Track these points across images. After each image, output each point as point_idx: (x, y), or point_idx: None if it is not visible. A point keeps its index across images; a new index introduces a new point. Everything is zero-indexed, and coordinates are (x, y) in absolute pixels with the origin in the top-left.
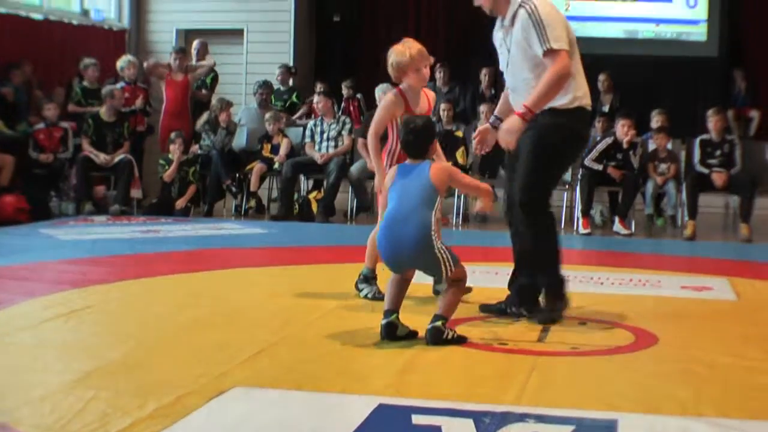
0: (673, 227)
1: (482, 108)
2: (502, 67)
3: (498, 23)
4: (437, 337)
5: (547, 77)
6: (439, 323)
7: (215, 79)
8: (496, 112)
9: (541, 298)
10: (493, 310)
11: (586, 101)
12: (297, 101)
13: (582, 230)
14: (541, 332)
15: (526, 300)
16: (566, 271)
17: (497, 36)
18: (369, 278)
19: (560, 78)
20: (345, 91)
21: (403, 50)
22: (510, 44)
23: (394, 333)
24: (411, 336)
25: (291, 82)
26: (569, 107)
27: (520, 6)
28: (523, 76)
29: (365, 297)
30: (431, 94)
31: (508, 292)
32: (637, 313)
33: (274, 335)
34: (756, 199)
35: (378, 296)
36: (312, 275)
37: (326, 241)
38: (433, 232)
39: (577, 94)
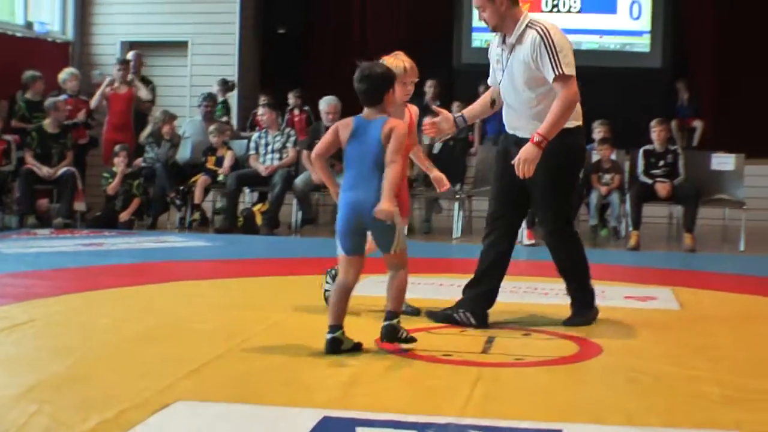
0: (617, 238)
1: (427, 120)
2: (491, 81)
3: (498, 39)
4: (392, 335)
5: (560, 103)
6: (394, 321)
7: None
8: (466, 111)
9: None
10: (439, 317)
11: (581, 118)
12: (219, 113)
13: (526, 241)
14: (485, 344)
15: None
16: (510, 282)
17: (495, 51)
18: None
19: (572, 103)
20: (292, 101)
21: (398, 62)
22: (512, 62)
23: (338, 348)
24: (356, 348)
25: (227, 95)
26: (572, 127)
27: (528, 26)
28: (525, 95)
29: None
30: (414, 109)
31: (460, 297)
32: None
33: (218, 348)
34: (699, 209)
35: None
36: (256, 288)
37: (271, 254)
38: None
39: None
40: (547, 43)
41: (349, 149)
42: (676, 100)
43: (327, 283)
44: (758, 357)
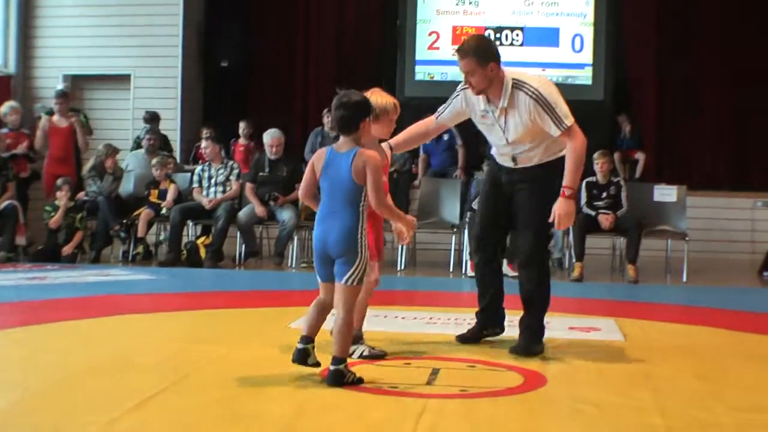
0: (561, 269)
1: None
2: (443, 118)
3: (482, 102)
4: (338, 381)
5: (574, 155)
6: (341, 366)
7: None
8: (395, 141)
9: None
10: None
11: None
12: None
13: (470, 273)
14: (430, 375)
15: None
16: (456, 314)
17: (479, 106)
18: (357, 338)
19: (583, 149)
20: (242, 131)
21: (386, 99)
22: (508, 124)
23: (305, 360)
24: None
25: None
26: (555, 158)
27: (516, 88)
28: (524, 147)
29: (360, 357)
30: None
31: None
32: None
33: (162, 382)
34: (642, 241)
35: (373, 352)
36: (201, 321)
37: (215, 287)
38: (359, 230)
39: (561, 146)
40: (543, 104)
41: (321, 182)
42: (618, 133)
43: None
44: (702, 387)
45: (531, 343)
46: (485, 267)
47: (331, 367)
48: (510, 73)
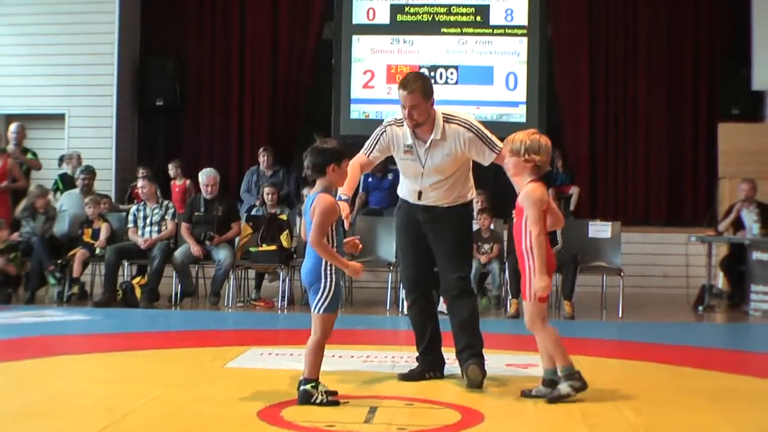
0: (498, 307)
1: (306, 191)
2: (371, 156)
3: (410, 137)
4: (306, 400)
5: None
6: (308, 386)
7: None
8: (348, 191)
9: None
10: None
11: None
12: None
13: (407, 311)
14: (368, 414)
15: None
16: (393, 352)
17: (404, 141)
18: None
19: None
20: (173, 172)
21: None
22: (433, 155)
23: (309, 400)
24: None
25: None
26: (470, 199)
27: (447, 122)
28: (446, 178)
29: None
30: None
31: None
32: (463, 392)
33: (98, 423)
34: (578, 277)
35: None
36: (137, 361)
37: (150, 327)
38: (324, 267)
39: (473, 188)
40: (477, 133)
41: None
42: (552, 170)
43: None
44: (639, 422)
45: (482, 370)
46: (421, 313)
47: (300, 388)
48: (438, 108)
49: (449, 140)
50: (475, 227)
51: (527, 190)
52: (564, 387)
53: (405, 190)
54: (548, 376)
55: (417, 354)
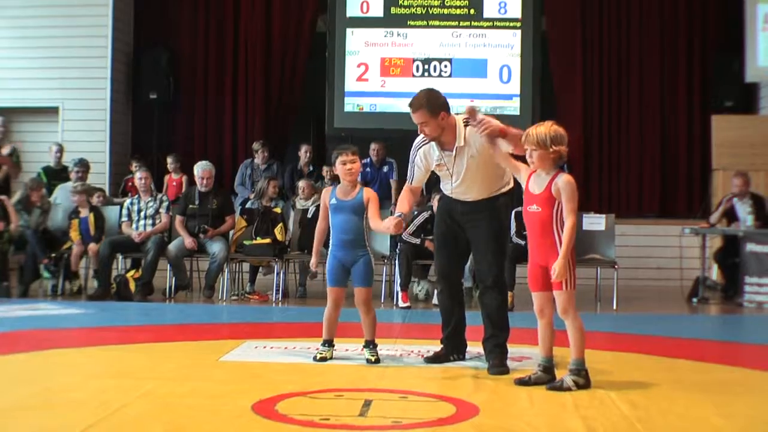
0: None
1: (301, 184)
2: (416, 182)
3: (437, 150)
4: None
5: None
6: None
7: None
8: (398, 210)
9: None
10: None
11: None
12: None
13: (402, 304)
14: (362, 407)
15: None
16: (387, 344)
17: (434, 156)
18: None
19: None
20: (171, 166)
21: None
22: (464, 160)
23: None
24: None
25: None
26: (508, 189)
27: (466, 126)
28: (472, 179)
29: None
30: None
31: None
32: (458, 385)
33: (92, 417)
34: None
35: None
36: (130, 355)
37: (144, 321)
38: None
39: (510, 179)
40: None
41: None
42: None
43: None
44: (632, 414)
45: (504, 360)
46: (447, 294)
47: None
48: (458, 116)
49: (471, 142)
50: None
51: (566, 180)
52: (568, 380)
53: (443, 186)
54: (546, 363)
55: (441, 337)
